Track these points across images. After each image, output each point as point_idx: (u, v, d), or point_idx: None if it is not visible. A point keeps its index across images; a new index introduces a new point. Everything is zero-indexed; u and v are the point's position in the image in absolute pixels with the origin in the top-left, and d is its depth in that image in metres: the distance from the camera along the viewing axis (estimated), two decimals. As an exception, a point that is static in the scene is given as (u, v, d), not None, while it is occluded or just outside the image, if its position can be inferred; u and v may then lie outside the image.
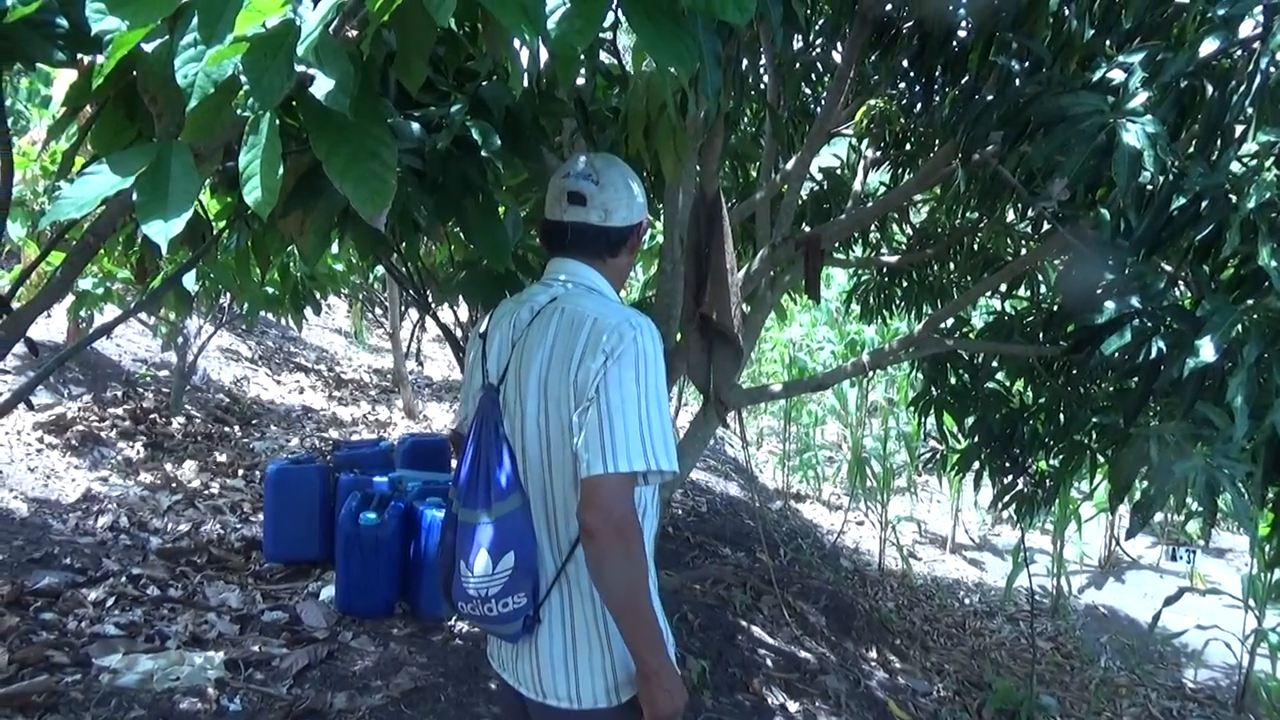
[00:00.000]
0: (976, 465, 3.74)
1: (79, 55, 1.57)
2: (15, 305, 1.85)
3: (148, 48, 1.38)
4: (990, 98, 2.50)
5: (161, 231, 1.09)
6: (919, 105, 3.28)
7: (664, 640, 1.46)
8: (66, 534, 3.80)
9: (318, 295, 5.38)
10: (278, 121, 1.16)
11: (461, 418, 1.74)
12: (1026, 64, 2.47)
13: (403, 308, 8.43)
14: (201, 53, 1.12)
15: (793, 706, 3.34)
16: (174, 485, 4.71)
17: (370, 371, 9.91)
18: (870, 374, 5.36)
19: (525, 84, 2.18)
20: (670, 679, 1.42)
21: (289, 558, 3.81)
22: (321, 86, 1.06)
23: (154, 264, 3.18)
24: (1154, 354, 2.06)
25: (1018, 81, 2.41)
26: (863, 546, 7.53)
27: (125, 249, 3.70)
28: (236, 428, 6.24)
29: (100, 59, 1.48)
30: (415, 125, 2.02)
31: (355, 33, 1.15)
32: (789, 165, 3.48)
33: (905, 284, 4.59)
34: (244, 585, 3.59)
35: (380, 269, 6.13)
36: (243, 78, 1.07)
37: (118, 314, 2.95)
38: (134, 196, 1.15)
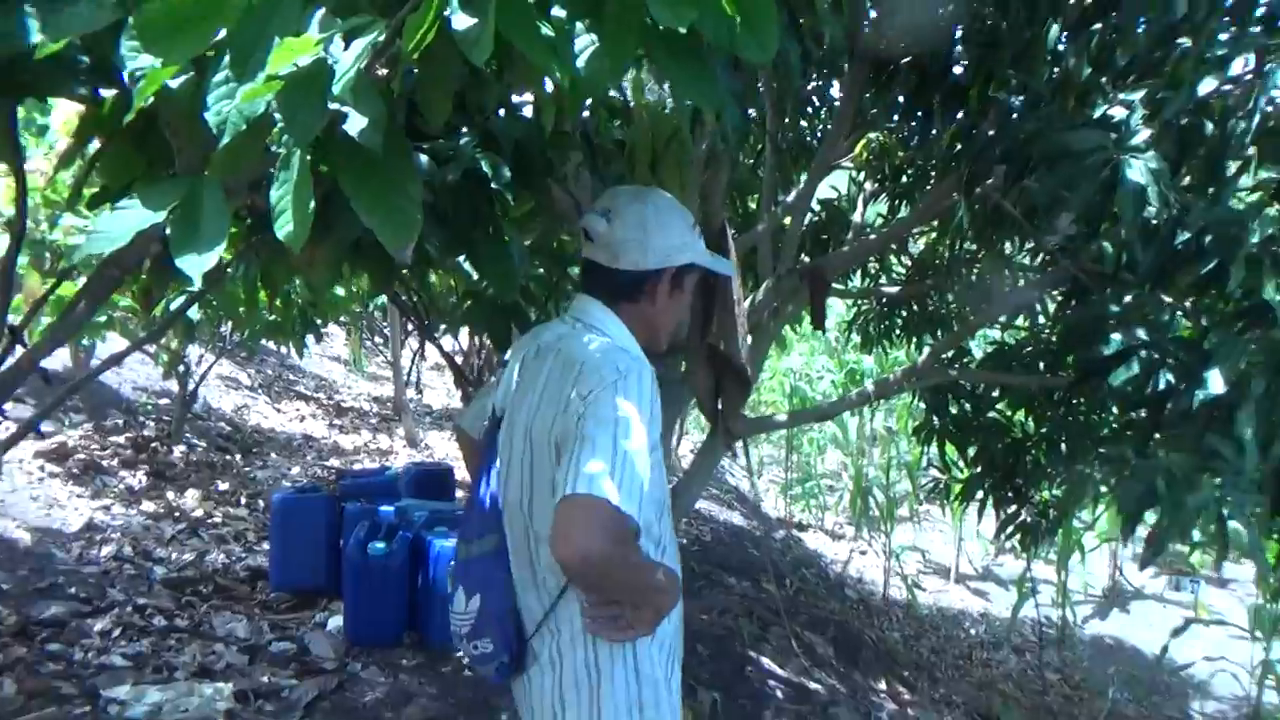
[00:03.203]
0: (980, 495, 3.74)
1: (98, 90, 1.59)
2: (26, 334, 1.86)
3: (173, 83, 1.40)
4: (991, 133, 2.54)
5: (195, 265, 1.11)
6: (917, 139, 3.32)
7: (671, 583, 1.40)
8: (70, 564, 3.78)
9: (319, 322, 5.41)
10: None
11: (466, 413, 1.76)
12: (1024, 99, 2.51)
13: (403, 335, 8.44)
14: (234, 90, 1.14)
15: (800, 738, 3.32)
16: (177, 514, 4.69)
17: (370, 399, 9.91)
18: (873, 403, 5.37)
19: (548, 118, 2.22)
20: (672, 592, 1.40)
21: (295, 587, 3.79)
22: (355, 124, 1.09)
23: (161, 291, 3.20)
24: (1161, 386, 2.08)
25: (1016, 117, 2.45)
26: (867, 576, 7.50)
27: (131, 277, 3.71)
28: (238, 456, 6.23)
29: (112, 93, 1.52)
30: (424, 158, 2.05)
31: (385, 71, 1.18)
32: (790, 198, 3.52)
33: (905, 314, 4.62)
34: (251, 615, 3.58)
35: (381, 297, 6.17)
36: (277, 115, 1.10)
37: (120, 341, 2.96)
38: (166, 230, 1.17)
